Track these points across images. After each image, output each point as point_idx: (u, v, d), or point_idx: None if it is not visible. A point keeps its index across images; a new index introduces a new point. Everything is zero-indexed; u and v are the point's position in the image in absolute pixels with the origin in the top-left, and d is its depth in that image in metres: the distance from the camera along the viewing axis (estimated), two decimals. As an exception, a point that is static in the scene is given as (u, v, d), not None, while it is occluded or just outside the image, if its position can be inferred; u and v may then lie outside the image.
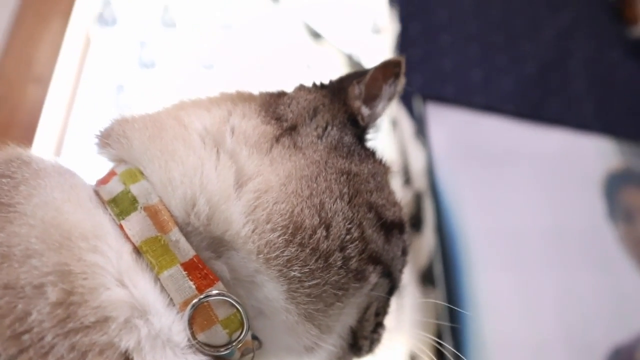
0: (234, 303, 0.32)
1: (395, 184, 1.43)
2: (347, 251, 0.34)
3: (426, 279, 1.34)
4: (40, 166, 0.33)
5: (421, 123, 1.52)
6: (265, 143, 0.34)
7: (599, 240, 1.66)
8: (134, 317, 0.28)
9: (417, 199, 1.39)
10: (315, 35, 1.41)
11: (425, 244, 1.37)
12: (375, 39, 1.57)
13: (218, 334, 0.32)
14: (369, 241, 0.35)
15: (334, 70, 1.52)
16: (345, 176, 0.34)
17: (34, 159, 0.34)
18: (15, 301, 0.24)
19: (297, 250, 0.33)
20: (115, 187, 0.33)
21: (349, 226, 0.34)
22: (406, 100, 1.56)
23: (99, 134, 0.39)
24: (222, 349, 0.32)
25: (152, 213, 0.32)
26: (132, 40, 1.32)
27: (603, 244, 1.65)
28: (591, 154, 1.81)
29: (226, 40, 1.38)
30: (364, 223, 0.35)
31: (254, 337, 0.35)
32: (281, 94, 0.39)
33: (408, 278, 1.31)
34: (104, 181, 0.35)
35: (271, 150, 0.34)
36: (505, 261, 1.46)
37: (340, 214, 0.33)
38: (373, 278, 0.37)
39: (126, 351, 0.27)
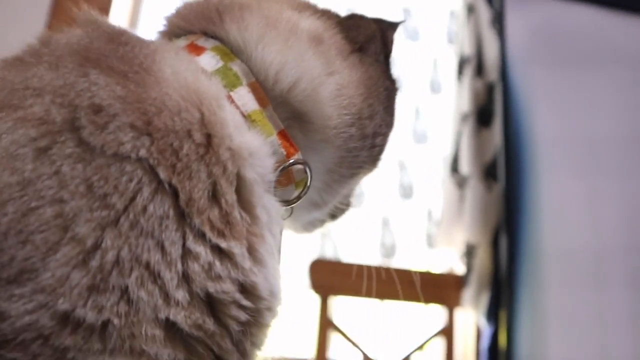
0: (307, 170, 0.42)
1: (466, 74, 1.36)
2: (377, 140, 0.47)
3: (489, 173, 1.32)
4: (150, 42, 0.40)
5: (499, 10, 1.41)
6: (345, 53, 0.46)
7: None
8: (253, 159, 0.37)
9: (489, 91, 1.33)
10: None
11: (492, 138, 1.33)
12: None
13: (290, 192, 0.43)
14: (387, 138, 0.49)
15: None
16: (386, 92, 0.48)
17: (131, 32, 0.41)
18: (172, 140, 0.33)
19: (355, 130, 0.44)
20: (212, 61, 0.41)
21: (381, 123, 0.47)
22: (485, -15, 1.44)
23: (212, 8, 0.45)
24: (286, 204, 0.42)
25: (255, 89, 0.41)
26: None
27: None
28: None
29: None
30: (389, 124, 0.49)
31: None
32: (350, 18, 0.50)
33: (471, 170, 1.30)
34: (195, 54, 0.42)
35: (347, 60, 0.46)
36: (572, 165, 1.41)
37: (379, 114, 0.47)
38: (378, 165, 0.50)
39: (244, 179, 0.36)
